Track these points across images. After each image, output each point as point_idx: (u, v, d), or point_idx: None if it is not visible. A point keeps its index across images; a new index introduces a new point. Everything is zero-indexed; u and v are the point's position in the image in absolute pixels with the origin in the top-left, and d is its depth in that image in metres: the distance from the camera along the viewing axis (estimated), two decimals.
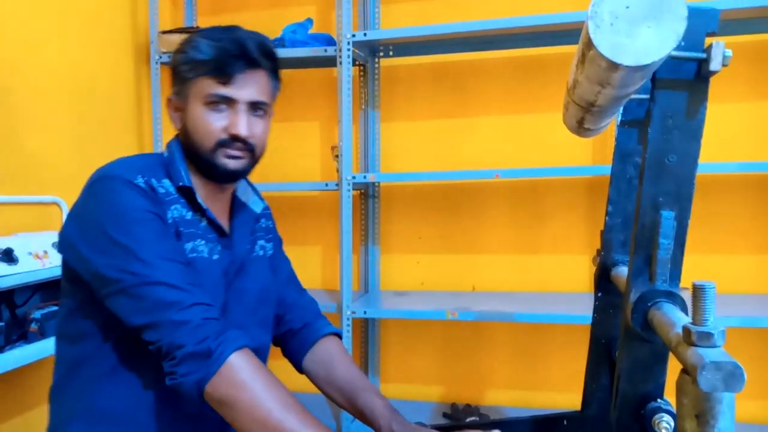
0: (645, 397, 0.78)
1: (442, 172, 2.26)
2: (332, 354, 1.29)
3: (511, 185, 2.43)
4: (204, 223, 1.13)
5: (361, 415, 1.20)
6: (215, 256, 1.13)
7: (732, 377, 0.52)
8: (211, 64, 1.07)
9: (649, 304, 0.76)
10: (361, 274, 2.59)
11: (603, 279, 1.13)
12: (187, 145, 1.13)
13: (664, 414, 0.76)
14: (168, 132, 2.42)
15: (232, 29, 1.11)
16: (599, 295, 1.13)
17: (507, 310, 2.07)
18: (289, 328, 1.32)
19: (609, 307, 1.11)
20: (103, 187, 1.02)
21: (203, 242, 1.11)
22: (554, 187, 2.39)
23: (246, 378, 0.92)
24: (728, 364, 0.53)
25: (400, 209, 2.57)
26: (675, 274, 0.77)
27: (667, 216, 0.74)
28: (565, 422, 1.12)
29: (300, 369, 1.32)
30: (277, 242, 1.35)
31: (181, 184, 1.10)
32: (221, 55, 1.07)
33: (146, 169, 1.07)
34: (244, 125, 1.09)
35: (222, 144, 1.10)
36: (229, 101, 1.09)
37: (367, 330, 2.58)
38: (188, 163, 1.14)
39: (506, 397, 2.48)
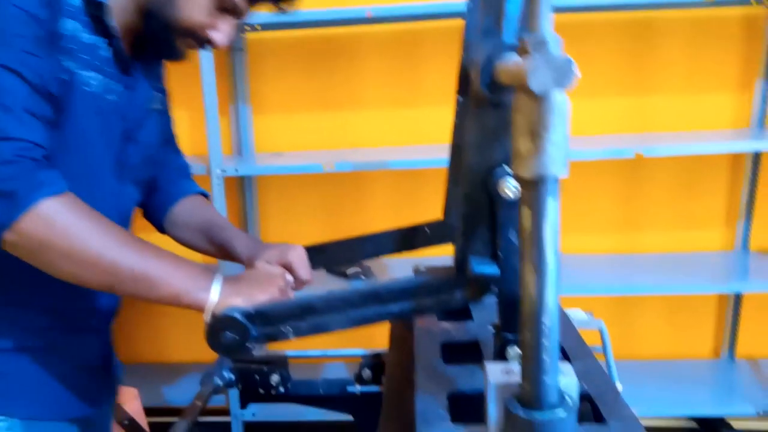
0: (492, 165, 0.73)
1: (311, 11, 2.07)
2: (195, 206, 1.21)
3: (387, 35, 2.30)
4: (105, 52, 0.93)
5: (221, 251, 1.13)
6: (111, 96, 0.94)
7: (562, 73, 0.46)
8: None
9: (496, 60, 0.69)
10: (233, 137, 2.42)
11: (464, 81, 1.06)
12: None
13: (509, 178, 0.71)
14: None
15: None
16: (460, 99, 1.07)
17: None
18: (155, 188, 1.21)
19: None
20: None
21: (99, 76, 0.92)
22: (432, 34, 2.29)
23: (65, 222, 0.79)
24: (558, 58, 0.47)
25: (272, 64, 2.38)
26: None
27: None
28: (427, 230, 1.08)
29: (161, 227, 1.22)
30: (166, 94, 1.19)
31: None
32: None
33: None
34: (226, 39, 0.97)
35: (193, 33, 0.95)
36: (236, 11, 0.96)
37: (243, 192, 2.45)
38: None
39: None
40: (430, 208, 2.35)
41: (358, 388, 1.24)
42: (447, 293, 0.79)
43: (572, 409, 0.56)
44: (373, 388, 1.25)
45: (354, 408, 1.33)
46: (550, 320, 0.54)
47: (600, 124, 2.33)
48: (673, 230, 2.44)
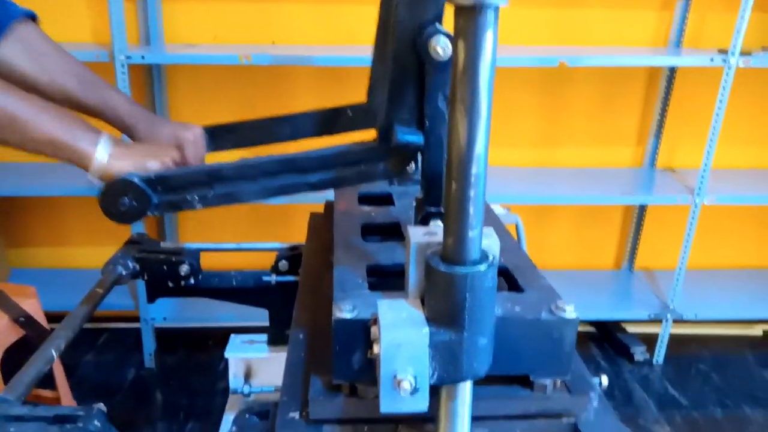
0: (423, 22, 0.68)
1: None
2: (38, 41, 1.00)
3: None
4: None
5: (94, 110, 1.01)
6: None
7: None
8: None
9: None
10: (140, 25, 2.21)
11: None
12: None
13: (441, 35, 0.66)
14: None
15: None
16: None
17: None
18: None
19: None
20: None
21: None
22: None
23: None
24: None
25: None
26: None
27: None
28: (350, 113, 1.03)
29: None
30: None
31: None
32: None
33: None
34: None
35: None
36: None
37: (151, 83, 2.26)
38: None
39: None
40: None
41: (274, 278, 1.20)
42: (369, 163, 0.75)
43: (494, 265, 0.54)
44: (290, 278, 1.22)
45: (269, 301, 1.30)
46: (479, 169, 0.50)
47: (526, 35, 2.30)
48: (589, 146, 2.51)
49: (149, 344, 2.28)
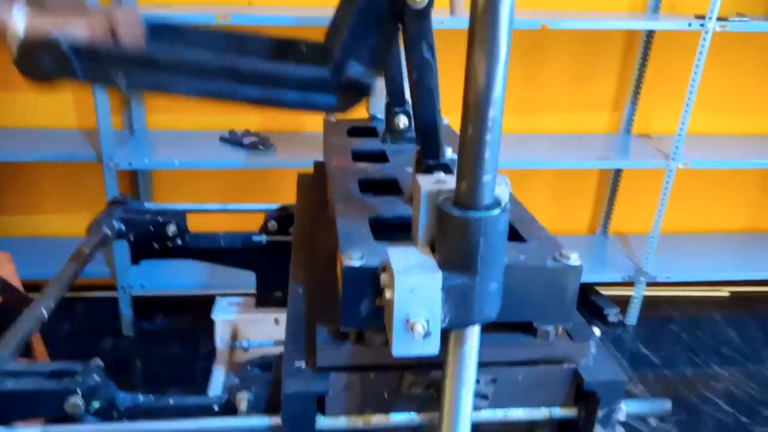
0: None
1: None
2: None
3: None
4: None
5: None
6: None
7: None
8: None
9: None
10: None
11: None
12: None
13: None
14: None
15: None
16: None
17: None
18: None
19: None
20: None
21: None
22: None
23: None
24: None
25: None
26: None
27: None
28: (304, 49, 0.98)
29: None
30: None
31: None
32: None
33: None
34: None
35: None
36: None
37: None
38: None
39: (277, 122, 2.39)
40: None
41: (264, 238, 1.19)
42: (316, 92, 0.72)
43: (507, 210, 0.55)
44: (280, 239, 1.21)
45: (257, 263, 1.29)
46: (496, 112, 0.50)
47: None
48: (566, 113, 2.53)
49: (127, 312, 2.25)
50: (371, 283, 0.60)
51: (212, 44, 0.95)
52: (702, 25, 2.02)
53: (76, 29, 0.72)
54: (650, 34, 2.38)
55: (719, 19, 2.02)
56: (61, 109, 2.26)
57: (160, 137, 2.26)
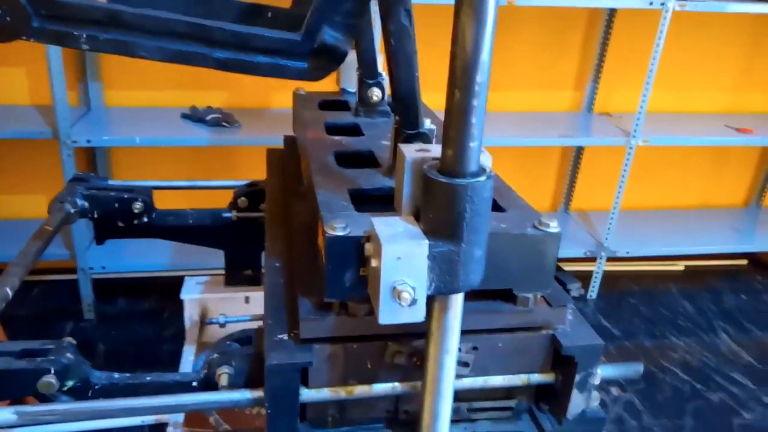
0: None
1: None
2: None
3: None
4: None
5: None
6: None
7: None
8: None
9: None
10: None
11: None
12: None
13: None
14: None
15: None
16: None
17: None
18: None
19: None
20: None
21: None
22: None
23: None
24: None
25: None
26: None
27: None
28: (270, 14, 0.96)
29: None
30: None
31: None
32: None
33: None
34: None
35: None
36: None
37: None
38: None
39: (242, 99, 2.34)
40: None
41: (234, 214, 1.17)
42: (287, 57, 0.70)
43: (491, 177, 0.55)
44: (250, 215, 1.19)
45: (226, 241, 1.27)
46: (483, 78, 0.50)
47: None
48: (529, 91, 2.56)
49: (87, 295, 2.19)
50: (355, 252, 0.60)
51: (174, 4, 0.92)
52: (663, 4, 2.06)
53: None
54: (612, 13, 2.42)
55: None
56: (14, 84, 2.16)
57: (119, 114, 2.19)
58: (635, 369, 0.75)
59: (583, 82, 2.58)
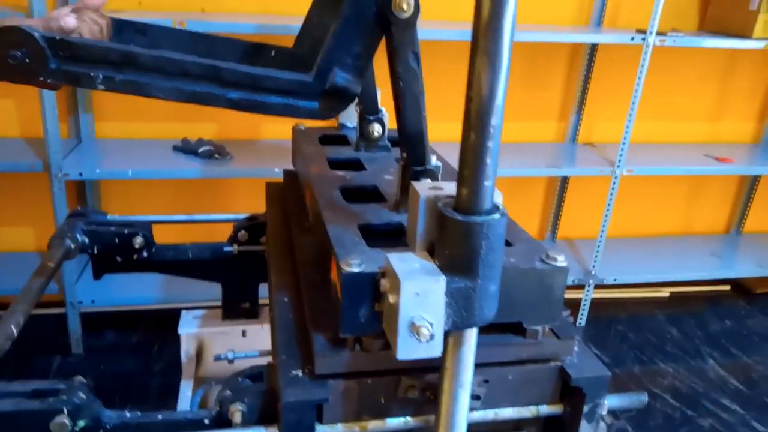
0: None
1: None
2: None
3: None
4: None
5: None
6: None
7: None
8: None
9: None
10: None
11: None
12: None
13: None
14: None
15: None
16: None
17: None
18: None
19: None
20: None
21: None
22: None
23: None
24: None
25: None
26: None
27: None
28: (272, 53, 0.98)
29: None
30: None
31: None
32: None
33: None
34: None
35: None
36: None
37: None
38: None
39: (232, 130, 2.36)
40: None
41: (235, 248, 1.18)
42: (299, 97, 0.72)
43: (505, 214, 0.57)
44: (251, 248, 1.20)
45: (225, 274, 1.27)
46: (497, 121, 0.52)
47: (455, 11, 2.35)
48: (515, 122, 2.61)
49: (75, 329, 2.16)
50: (370, 289, 0.61)
51: (179, 45, 0.94)
52: (644, 39, 2.13)
53: (36, 22, 0.69)
54: (594, 48, 2.49)
55: (658, 33, 2.13)
56: (3, 117, 2.15)
57: (110, 146, 2.19)
58: (640, 399, 0.76)
59: (567, 114, 2.64)
